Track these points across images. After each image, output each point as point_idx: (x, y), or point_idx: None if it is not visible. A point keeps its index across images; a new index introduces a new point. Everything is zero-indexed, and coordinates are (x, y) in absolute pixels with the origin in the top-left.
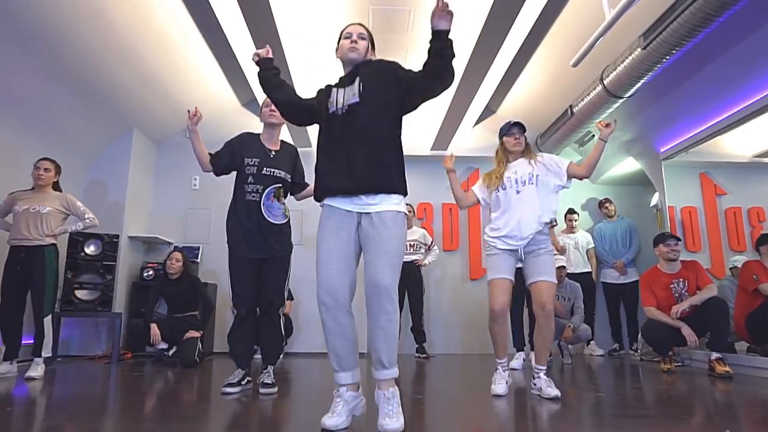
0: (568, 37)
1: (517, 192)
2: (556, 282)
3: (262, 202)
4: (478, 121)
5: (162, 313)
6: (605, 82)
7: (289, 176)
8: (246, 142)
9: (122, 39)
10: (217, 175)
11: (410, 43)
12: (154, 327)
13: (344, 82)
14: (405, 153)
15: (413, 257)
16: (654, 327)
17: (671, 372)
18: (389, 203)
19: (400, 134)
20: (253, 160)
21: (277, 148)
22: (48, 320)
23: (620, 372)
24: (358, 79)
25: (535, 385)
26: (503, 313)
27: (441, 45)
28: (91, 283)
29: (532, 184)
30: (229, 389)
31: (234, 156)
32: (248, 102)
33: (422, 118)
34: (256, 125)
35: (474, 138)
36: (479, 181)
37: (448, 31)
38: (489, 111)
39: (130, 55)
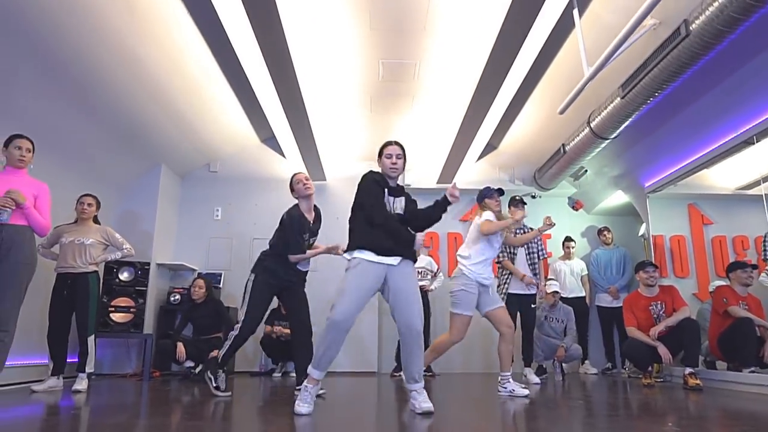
0: (557, 85)
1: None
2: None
3: None
4: (480, 156)
5: (187, 335)
6: (592, 126)
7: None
8: (301, 221)
9: (154, 79)
10: None
11: (416, 91)
12: (180, 345)
13: (394, 193)
14: (413, 186)
15: (421, 283)
16: (635, 345)
17: (651, 386)
18: (408, 264)
19: None
20: (306, 235)
21: (313, 216)
22: (91, 339)
23: (606, 387)
24: (404, 200)
25: (505, 388)
26: None
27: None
28: (125, 307)
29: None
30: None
31: None
32: (267, 138)
33: (429, 153)
34: (273, 159)
35: (476, 172)
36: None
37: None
38: (491, 147)
39: (160, 94)
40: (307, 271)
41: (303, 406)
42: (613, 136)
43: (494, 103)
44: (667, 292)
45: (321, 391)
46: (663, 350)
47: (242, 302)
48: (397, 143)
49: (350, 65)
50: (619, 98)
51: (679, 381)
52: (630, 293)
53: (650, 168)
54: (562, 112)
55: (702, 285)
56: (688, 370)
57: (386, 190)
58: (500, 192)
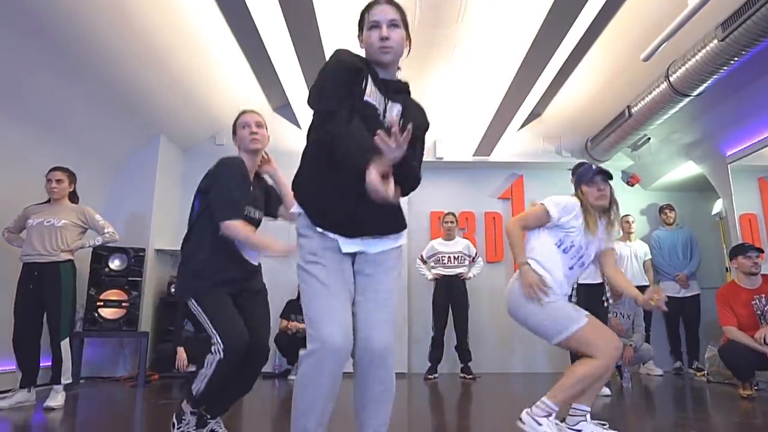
0: (630, 32)
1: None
2: None
3: None
4: (522, 125)
5: (190, 330)
6: (671, 79)
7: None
8: (244, 176)
9: (146, 37)
10: None
11: (458, 38)
12: (180, 351)
13: (384, 91)
14: (446, 159)
15: (458, 270)
16: (735, 350)
17: (752, 398)
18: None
19: None
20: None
21: (261, 185)
22: (65, 344)
23: (692, 397)
24: (400, 109)
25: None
26: None
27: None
28: (115, 301)
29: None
30: None
31: None
32: (279, 107)
33: (465, 121)
34: (287, 130)
35: (518, 143)
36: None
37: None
38: (534, 114)
39: (156, 54)
40: (259, 265)
41: None
42: (696, 93)
43: (552, 59)
44: None
45: None
46: None
47: (207, 326)
48: (390, 2)
49: None
50: (716, 41)
51: None
52: (724, 285)
53: (734, 132)
54: (647, 59)
55: None
56: None
57: (369, 78)
58: (605, 175)
